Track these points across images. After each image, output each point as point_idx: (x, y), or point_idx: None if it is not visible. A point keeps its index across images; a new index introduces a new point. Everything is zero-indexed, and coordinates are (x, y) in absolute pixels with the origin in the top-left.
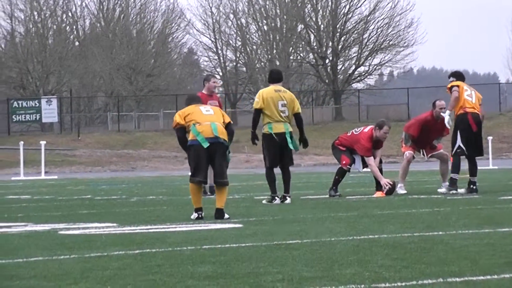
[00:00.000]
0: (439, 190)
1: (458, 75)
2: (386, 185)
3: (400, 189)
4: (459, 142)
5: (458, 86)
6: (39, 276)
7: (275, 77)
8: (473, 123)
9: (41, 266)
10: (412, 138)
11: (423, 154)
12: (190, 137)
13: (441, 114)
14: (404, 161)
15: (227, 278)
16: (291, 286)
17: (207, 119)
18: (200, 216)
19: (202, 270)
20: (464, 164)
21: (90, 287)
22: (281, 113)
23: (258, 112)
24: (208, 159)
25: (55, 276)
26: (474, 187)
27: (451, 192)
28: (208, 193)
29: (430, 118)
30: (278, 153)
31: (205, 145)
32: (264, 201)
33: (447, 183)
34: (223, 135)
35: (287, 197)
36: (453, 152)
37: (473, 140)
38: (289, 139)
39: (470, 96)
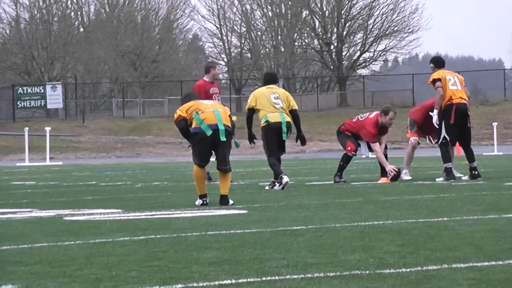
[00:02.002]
0: (437, 179)
1: (438, 61)
2: (391, 172)
3: (405, 175)
4: (443, 133)
5: (440, 79)
6: (44, 262)
7: (268, 79)
8: (454, 115)
9: (46, 252)
10: (417, 125)
11: (429, 140)
12: (193, 125)
13: (430, 113)
14: (409, 147)
15: (231, 264)
16: (295, 272)
17: (209, 107)
18: (204, 202)
19: (207, 256)
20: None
21: (95, 273)
22: (275, 105)
23: (250, 112)
24: (212, 146)
25: (60, 262)
26: (476, 172)
27: (449, 181)
28: (212, 180)
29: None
30: (277, 143)
31: (208, 132)
32: (266, 187)
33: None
34: (226, 121)
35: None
36: (439, 143)
37: (455, 130)
38: (284, 129)
39: (454, 85)
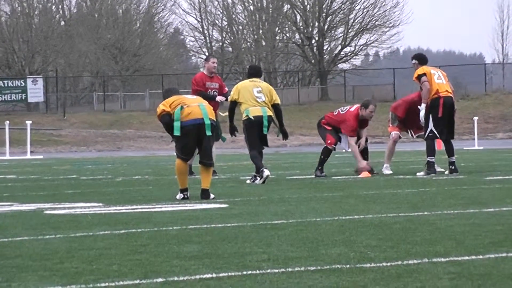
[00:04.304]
0: (418, 174)
1: (421, 58)
2: (363, 169)
3: (386, 170)
4: (431, 126)
5: (425, 74)
6: (24, 256)
7: (252, 72)
8: (442, 108)
9: (27, 246)
10: (398, 119)
11: (411, 134)
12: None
13: (418, 107)
14: (390, 141)
15: (212, 258)
16: (276, 266)
17: (194, 101)
18: (185, 196)
19: (188, 250)
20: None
21: (76, 267)
22: (257, 99)
23: (233, 104)
24: (197, 140)
25: (40, 256)
26: (453, 167)
27: (429, 175)
28: (194, 173)
29: (417, 99)
30: (258, 136)
31: (177, 133)
32: (248, 181)
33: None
34: (212, 115)
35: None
36: (426, 136)
37: (443, 124)
38: (265, 123)
39: (440, 79)
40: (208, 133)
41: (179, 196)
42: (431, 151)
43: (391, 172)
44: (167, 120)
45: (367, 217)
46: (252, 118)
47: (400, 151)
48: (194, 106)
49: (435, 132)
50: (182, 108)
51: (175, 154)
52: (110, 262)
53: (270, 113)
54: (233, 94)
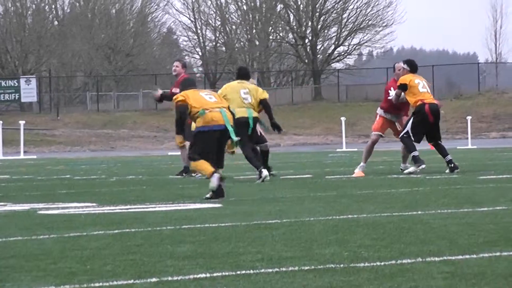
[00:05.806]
0: (405, 171)
1: (413, 66)
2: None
3: (359, 168)
4: (408, 127)
5: (406, 85)
6: (18, 256)
7: (241, 74)
8: (430, 113)
9: (20, 246)
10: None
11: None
12: (199, 123)
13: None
14: (369, 142)
15: (206, 257)
16: (270, 265)
17: (214, 105)
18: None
19: (181, 250)
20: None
21: (69, 267)
22: (244, 100)
23: None
24: (215, 145)
25: (34, 256)
26: (452, 165)
27: (419, 168)
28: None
29: (393, 83)
30: (246, 137)
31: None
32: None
33: (407, 165)
34: (231, 121)
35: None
36: (401, 136)
37: (421, 130)
38: (251, 124)
39: (424, 88)
40: (234, 138)
41: (213, 183)
42: (411, 146)
43: (363, 174)
44: (183, 110)
45: (361, 217)
46: (237, 118)
47: (393, 151)
48: (216, 112)
49: (411, 134)
50: (204, 112)
51: (169, 153)
52: (104, 262)
53: (256, 114)
54: (222, 92)
